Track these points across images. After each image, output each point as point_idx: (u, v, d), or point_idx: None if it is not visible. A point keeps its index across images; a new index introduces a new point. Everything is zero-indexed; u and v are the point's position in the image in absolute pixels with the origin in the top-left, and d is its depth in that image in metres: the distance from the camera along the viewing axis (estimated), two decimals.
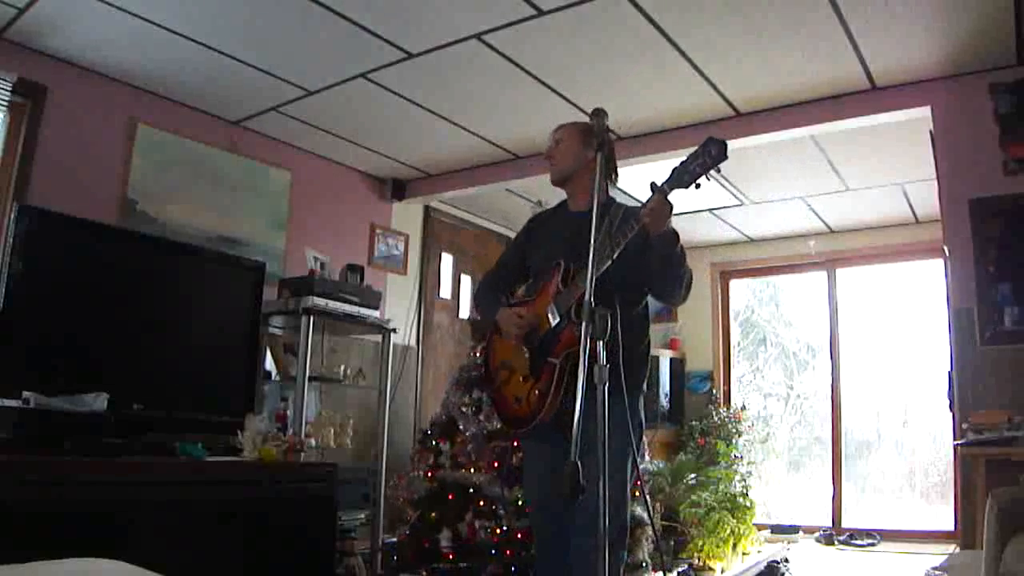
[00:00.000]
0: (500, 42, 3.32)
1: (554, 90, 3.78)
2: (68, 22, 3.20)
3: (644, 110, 4.01)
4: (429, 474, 3.80)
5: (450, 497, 3.65)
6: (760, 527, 5.22)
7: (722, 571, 4.51)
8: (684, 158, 1.97)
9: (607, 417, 1.60)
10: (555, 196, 2.54)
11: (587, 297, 1.66)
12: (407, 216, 5.42)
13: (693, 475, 4.96)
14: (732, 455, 5.61)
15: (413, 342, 5.32)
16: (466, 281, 5.87)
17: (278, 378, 4.14)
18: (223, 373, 3.36)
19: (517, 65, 3.53)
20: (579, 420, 1.55)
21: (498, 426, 3.57)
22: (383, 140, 4.59)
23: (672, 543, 4.57)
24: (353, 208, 5.02)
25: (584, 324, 1.63)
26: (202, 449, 2.89)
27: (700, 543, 4.54)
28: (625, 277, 2.06)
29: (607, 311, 1.64)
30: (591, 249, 1.73)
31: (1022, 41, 3.16)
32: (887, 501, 5.97)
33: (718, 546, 4.53)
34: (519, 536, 3.35)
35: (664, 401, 6.13)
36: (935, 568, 2.77)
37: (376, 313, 4.29)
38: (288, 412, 3.92)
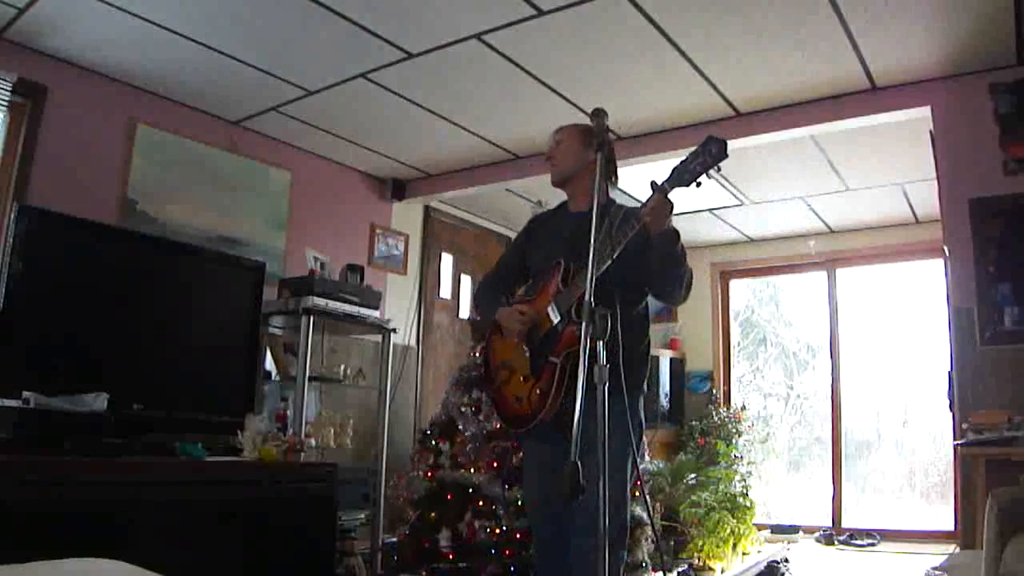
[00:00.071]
0: (500, 42, 3.32)
1: (554, 90, 3.78)
2: (68, 22, 3.20)
3: (644, 110, 4.01)
4: (429, 474, 3.80)
5: (449, 497, 3.65)
6: (760, 527, 5.22)
7: (722, 571, 4.51)
8: (684, 157, 1.98)
9: (607, 417, 1.60)
10: (555, 196, 2.54)
11: (587, 297, 1.66)
12: (407, 216, 5.42)
13: (693, 475, 4.97)
14: (732, 455, 5.61)
15: (413, 342, 5.32)
16: (466, 281, 5.87)
17: (278, 378, 4.14)
18: (223, 373, 3.36)
19: (517, 65, 3.53)
20: (579, 420, 1.55)
21: (497, 426, 3.57)
22: (383, 140, 4.59)
23: (672, 543, 4.57)
24: (353, 208, 5.02)
25: (584, 324, 1.63)
26: (202, 449, 2.89)
27: (700, 543, 4.54)
28: (625, 277, 2.06)
29: (607, 311, 1.64)
30: (591, 249, 1.73)
31: (1022, 41, 3.16)
32: (887, 501, 5.97)
33: (718, 546, 4.53)
34: (518, 536, 3.35)
35: (664, 401, 6.13)
36: (935, 568, 2.77)
37: (376, 313, 4.29)
38: (288, 412, 3.92)
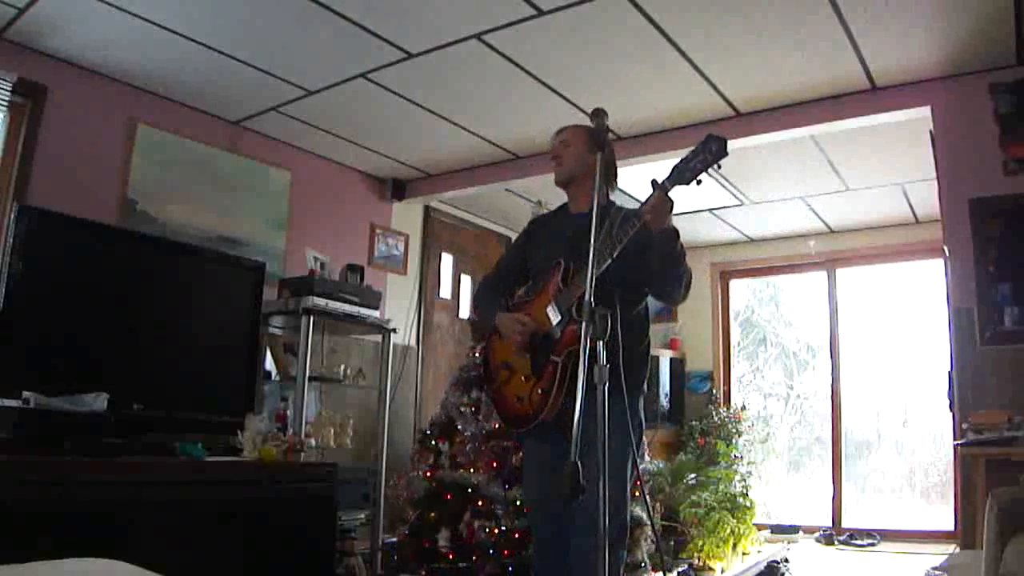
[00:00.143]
0: (500, 42, 3.32)
1: (554, 90, 3.78)
2: (68, 22, 3.20)
3: (644, 110, 4.01)
4: (428, 474, 3.80)
5: (448, 497, 3.65)
6: (760, 527, 5.22)
7: (722, 571, 4.51)
8: (685, 155, 1.98)
9: (607, 417, 1.60)
10: (555, 196, 2.54)
11: (587, 297, 1.66)
12: (407, 216, 5.42)
13: (693, 475, 4.96)
14: (732, 455, 5.61)
15: (413, 342, 5.32)
16: (466, 281, 5.87)
17: (278, 378, 4.14)
18: (223, 373, 3.36)
19: (517, 65, 3.53)
20: (579, 420, 1.55)
21: (497, 426, 3.57)
22: (383, 140, 4.59)
23: (672, 543, 4.57)
24: (353, 208, 5.02)
25: (584, 324, 1.63)
26: (202, 449, 2.89)
27: (700, 543, 4.54)
28: (625, 277, 2.07)
29: (607, 311, 1.64)
30: (591, 249, 1.73)
31: (1022, 41, 3.16)
32: (887, 501, 5.97)
33: (718, 546, 4.53)
34: (517, 536, 3.35)
35: (664, 401, 6.13)
36: (935, 568, 2.77)
37: (376, 313, 4.29)
38: (288, 412, 3.92)
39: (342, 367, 4.41)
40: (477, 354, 3.81)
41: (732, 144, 1.98)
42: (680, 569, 4.36)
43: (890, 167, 4.67)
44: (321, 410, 4.30)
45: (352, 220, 5.00)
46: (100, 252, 3.05)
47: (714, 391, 6.36)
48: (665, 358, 6.31)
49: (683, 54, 3.38)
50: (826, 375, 6.14)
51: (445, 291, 5.74)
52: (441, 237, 5.74)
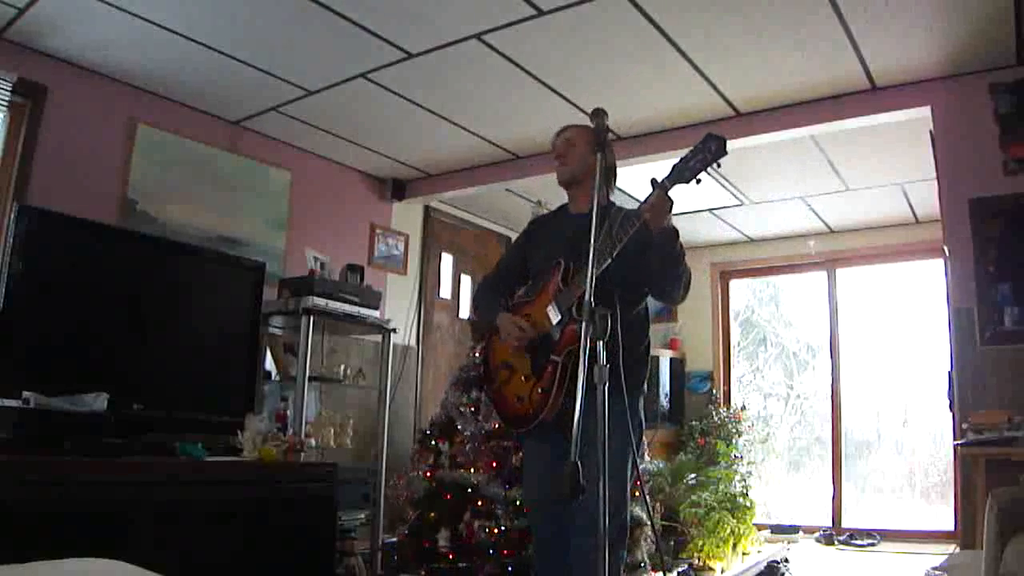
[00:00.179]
0: (500, 42, 3.32)
1: (554, 90, 3.78)
2: (68, 22, 3.20)
3: (644, 110, 4.01)
4: (428, 474, 3.80)
5: (448, 497, 3.65)
6: (760, 527, 5.22)
7: (722, 571, 4.51)
8: (684, 154, 1.98)
9: (607, 417, 1.60)
10: (555, 196, 2.54)
11: (587, 297, 1.66)
12: (407, 216, 5.42)
13: (693, 475, 4.96)
14: (732, 455, 5.61)
15: (413, 342, 5.32)
16: (466, 281, 5.87)
17: (278, 378, 4.14)
18: (223, 373, 3.36)
19: (517, 65, 3.53)
20: (579, 420, 1.55)
21: (496, 426, 3.57)
22: (383, 140, 4.59)
23: (672, 543, 4.56)
24: (353, 208, 5.02)
25: (584, 324, 1.63)
26: (202, 449, 2.89)
27: (700, 543, 4.53)
28: (625, 277, 2.07)
29: (607, 311, 1.64)
30: (591, 249, 1.73)
31: (1022, 41, 3.16)
32: (887, 501, 5.97)
33: (718, 546, 4.53)
34: (517, 536, 3.35)
35: (664, 401, 6.13)
36: (935, 568, 2.77)
37: (376, 313, 4.29)
38: (288, 412, 3.92)
39: (342, 367, 4.41)
40: (477, 354, 3.81)
41: (732, 144, 1.99)
42: (680, 569, 4.36)
43: (890, 167, 4.67)
44: (321, 410, 4.30)
45: (352, 220, 5.00)
46: (100, 252, 3.05)
47: (714, 391, 6.36)
48: (665, 358, 6.31)
49: (683, 54, 3.38)
50: (826, 375, 6.14)
51: (445, 291, 5.74)
52: (441, 237, 5.74)
